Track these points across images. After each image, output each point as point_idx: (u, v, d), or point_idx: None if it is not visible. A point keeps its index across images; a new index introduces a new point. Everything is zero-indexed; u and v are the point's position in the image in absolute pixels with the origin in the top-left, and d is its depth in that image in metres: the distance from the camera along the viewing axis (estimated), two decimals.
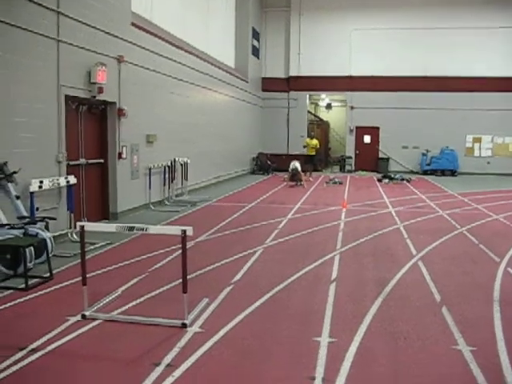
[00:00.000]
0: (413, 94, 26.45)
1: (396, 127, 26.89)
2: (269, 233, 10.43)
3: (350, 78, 27.30)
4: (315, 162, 24.95)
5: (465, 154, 26.66)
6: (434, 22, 25.86)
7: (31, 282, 6.77)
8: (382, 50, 26.57)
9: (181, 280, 5.50)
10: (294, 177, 20.21)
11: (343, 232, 10.64)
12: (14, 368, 4.37)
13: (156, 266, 7.77)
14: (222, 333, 5.17)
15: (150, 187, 13.49)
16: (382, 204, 15.02)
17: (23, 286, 6.60)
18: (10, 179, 7.94)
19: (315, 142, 23.71)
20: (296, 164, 20.44)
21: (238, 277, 7.25)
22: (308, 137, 24.62)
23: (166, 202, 14.56)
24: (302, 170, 20.69)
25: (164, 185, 14.62)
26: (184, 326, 5.27)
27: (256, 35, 26.94)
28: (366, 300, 6.28)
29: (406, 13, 26.27)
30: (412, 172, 26.61)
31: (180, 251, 5.53)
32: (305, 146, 23.93)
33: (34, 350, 4.71)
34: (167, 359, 4.55)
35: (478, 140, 26.78)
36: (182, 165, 15.67)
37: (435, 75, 26.16)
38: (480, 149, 26.87)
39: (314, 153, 23.60)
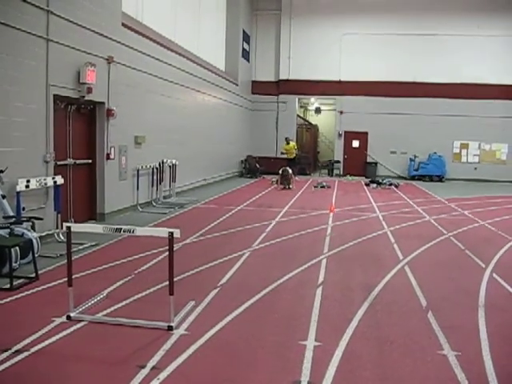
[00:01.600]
0: (401, 100, 26.63)
1: (384, 132, 27.02)
2: (256, 236, 10.43)
3: (340, 82, 27.39)
4: (297, 164, 25.07)
5: (452, 160, 26.87)
6: (423, 28, 26.04)
7: (16, 282, 6.72)
8: (372, 55, 26.71)
9: (167, 282, 5.48)
10: (285, 178, 20.21)
11: (330, 236, 10.66)
12: None
13: (142, 268, 7.74)
14: (207, 336, 5.15)
15: (137, 188, 13.45)
16: (369, 209, 15.07)
17: (8, 286, 6.54)
18: None
19: (292, 144, 24.15)
20: (287, 168, 20.53)
21: (224, 280, 7.24)
22: (285, 141, 24.70)
23: (154, 204, 14.52)
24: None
25: (152, 186, 14.58)
26: (170, 328, 5.25)
27: (246, 38, 26.96)
28: (353, 304, 6.29)
29: (396, 19, 26.42)
30: (400, 177, 26.73)
31: (167, 253, 5.51)
32: (283, 153, 24.21)
33: (18, 352, 4.67)
34: (152, 362, 4.53)
35: (466, 146, 26.97)
36: (170, 166, 15.63)
37: (424, 81, 26.36)
38: (467, 155, 27.07)
39: (293, 156, 23.91)
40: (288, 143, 24.09)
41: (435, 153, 26.42)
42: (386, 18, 26.54)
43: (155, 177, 14.63)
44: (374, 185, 22.29)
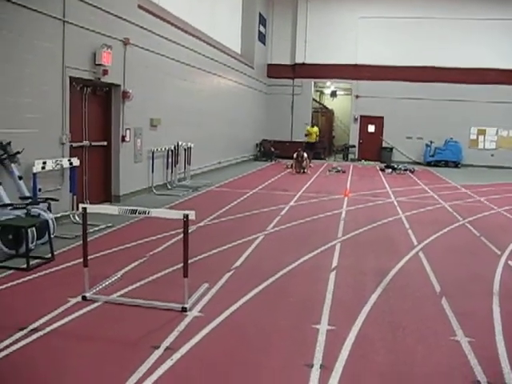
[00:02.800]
0: (418, 85, 26.32)
1: (400, 117, 26.80)
2: (270, 220, 10.44)
3: (356, 66, 27.16)
4: (315, 149, 25.11)
5: (469, 146, 26.61)
6: (441, 12, 25.69)
7: (33, 262, 6.80)
8: (389, 39, 26.42)
9: (181, 264, 5.51)
10: (299, 162, 20.13)
11: (345, 221, 10.64)
12: (14, 347, 4.39)
13: (157, 250, 7.79)
14: (221, 318, 5.18)
15: (152, 171, 13.49)
16: (384, 194, 15.00)
17: (25, 266, 6.63)
18: (14, 159, 7.94)
19: (316, 129, 24.33)
20: (301, 152, 20.47)
21: (238, 263, 7.27)
22: (309, 125, 24.69)
23: (169, 186, 14.56)
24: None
25: (167, 169, 14.62)
26: (184, 310, 5.29)
27: (263, 21, 26.78)
28: (366, 289, 6.29)
29: (413, 2, 26.06)
30: (415, 163, 26.54)
31: (181, 236, 5.53)
32: (306, 135, 24.08)
33: (34, 330, 4.74)
34: (166, 342, 4.57)
35: (483, 132, 26.70)
36: (185, 149, 15.65)
37: (441, 66, 26.02)
38: (484, 141, 26.80)
39: (314, 140, 24.06)
40: (313, 126, 24.50)
41: (451, 138, 26.19)
42: (403, 1, 26.21)
43: (170, 159, 14.65)
44: (389, 170, 22.15)
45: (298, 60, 28.09)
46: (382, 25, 26.52)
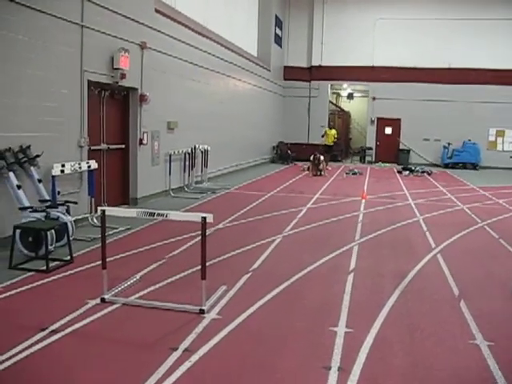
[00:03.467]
0: (436, 86, 26.17)
1: (418, 119, 26.64)
2: (288, 222, 10.44)
3: (373, 68, 27.07)
4: (333, 152, 24.90)
5: (487, 148, 26.36)
6: (460, 12, 25.54)
7: (52, 264, 6.87)
8: (406, 41, 26.28)
9: (199, 267, 5.53)
10: (315, 165, 20.10)
11: (362, 223, 10.61)
12: (35, 348, 4.45)
13: (175, 252, 7.83)
14: (238, 320, 5.20)
15: (169, 174, 13.56)
16: (401, 196, 14.93)
17: (44, 268, 6.70)
18: (33, 163, 8.03)
19: (334, 131, 23.81)
20: (318, 155, 20.44)
21: (256, 265, 7.28)
22: (326, 127, 24.53)
23: (186, 189, 14.62)
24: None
25: (184, 172, 14.68)
26: (202, 312, 5.31)
27: (279, 23, 26.80)
28: (384, 291, 6.27)
29: (431, 3, 25.93)
30: (433, 165, 26.35)
31: (199, 238, 5.56)
32: (323, 136, 23.90)
33: (54, 331, 4.79)
34: (184, 344, 4.59)
35: (502, 134, 26.44)
36: (202, 152, 15.71)
37: (459, 67, 25.83)
38: (503, 143, 26.53)
39: (332, 143, 23.68)
40: (331, 128, 24.13)
41: (470, 140, 25.96)
42: (420, 2, 26.07)
43: (187, 162, 14.71)
44: (407, 172, 22.04)
45: (315, 62, 28.06)
46: (399, 26, 26.39)
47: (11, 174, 7.53)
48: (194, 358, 4.35)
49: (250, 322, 5.20)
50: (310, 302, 5.87)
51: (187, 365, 4.22)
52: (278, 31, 26.76)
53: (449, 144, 26.21)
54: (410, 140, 27.18)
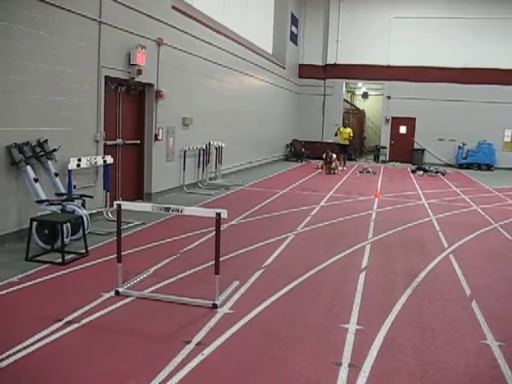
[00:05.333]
0: (451, 86, 25.99)
1: (433, 119, 26.48)
2: (301, 219, 10.48)
3: (388, 67, 26.96)
4: (348, 151, 24.16)
5: (502, 149, 26.13)
6: (476, 11, 25.31)
7: (67, 257, 6.96)
8: (422, 40, 26.08)
9: (212, 262, 5.60)
10: (328, 163, 20.09)
11: (375, 222, 10.62)
12: (51, 338, 4.54)
13: (188, 248, 7.91)
14: (251, 315, 5.25)
15: (184, 169, 13.63)
16: (415, 196, 14.91)
17: (60, 260, 6.79)
18: (50, 157, 8.13)
19: (348, 130, 22.89)
20: (330, 153, 20.40)
21: (268, 261, 7.33)
22: (341, 126, 23.84)
23: (200, 185, 14.70)
24: (337, 158, 20.64)
25: (198, 168, 14.75)
26: (215, 306, 5.37)
27: (295, 21, 26.79)
28: (396, 290, 6.29)
29: (447, 2, 25.74)
30: (447, 165, 26.21)
31: (212, 234, 5.62)
32: (336, 134, 23.22)
33: (69, 323, 4.87)
34: (197, 338, 4.65)
35: None
36: (216, 148, 15.76)
37: (475, 67, 25.63)
38: None
39: (347, 142, 22.79)
40: (346, 127, 23.19)
41: (485, 141, 25.78)
42: (436, 1, 25.88)
43: (201, 158, 14.78)
44: (421, 172, 21.95)
45: (330, 60, 28.00)
46: (415, 25, 26.22)
47: (29, 168, 7.63)
48: (207, 351, 4.41)
49: (263, 318, 5.25)
50: (321, 299, 5.91)
51: (200, 358, 4.28)
52: (294, 29, 26.75)
53: (464, 144, 26.05)
54: (425, 140, 27.05)
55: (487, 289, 6.56)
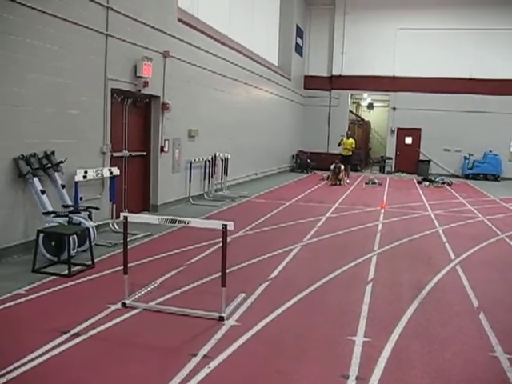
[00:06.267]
0: (457, 96, 25.98)
1: (438, 129, 26.45)
2: (307, 231, 10.46)
3: (394, 78, 27.00)
4: (351, 162, 23.27)
5: (509, 159, 26.07)
6: (481, 23, 25.34)
7: (74, 269, 6.97)
8: (428, 51, 26.11)
9: (218, 274, 5.59)
10: (335, 174, 20.04)
11: (381, 233, 10.59)
12: (58, 350, 4.53)
13: (195, 259, 7.90)
14: (257, 327, 5.24)
15: (190, 181, 13.65)
16: (421, 207, 14.87)
17: (66, 272, 6.80)
18: (57, 168, 8.16)
19: (351, 141, 22.34)
20: (339, 164, 20.36)
21: (275, 273, 7.32)
22: (345, 136, 22.98)
23: (206, 197, 14.71)
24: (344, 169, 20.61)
25: (204, 179, 14.77)
26: (221, 319, 5.36)
27: (300, 33, 26.91)
28: (403, 302, 6.26)
29: (453, 13, 25.75)
30: (453, 176, 26.16)
31: (218, 245, 5.62)
32: (339, 144, 22.77)
33: (76, 335, 4.87)
34: (204, 350, 4.64)
35: None
36: (222, 160, 15.79)
37: (480, 77, 25.65)
38: None
39: (350, 153, 22.22)
40: (348, 138, 22.50)
41: (491, 151, 25.73)
42: (442, 12, 25.88)
43: (207, 170, 14.81)
44: (427, 183, 21.91)
45: (335, 72, 28.08)
46: (420, 36, 26.29)
47: (35, 180, 7.66)
48: (214, 364, 4.40)
49: (269, 330, 5.23)
50: (328, 311, 5.89)
51: (206, 371, 4.27)
52: (299, 40, 26.86)
53: (470, 155, 26.00)
54: (431, 150, 27.02)
55: (495, 300, 6.53)
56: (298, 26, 26.27)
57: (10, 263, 7.27)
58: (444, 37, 25.95)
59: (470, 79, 25.86)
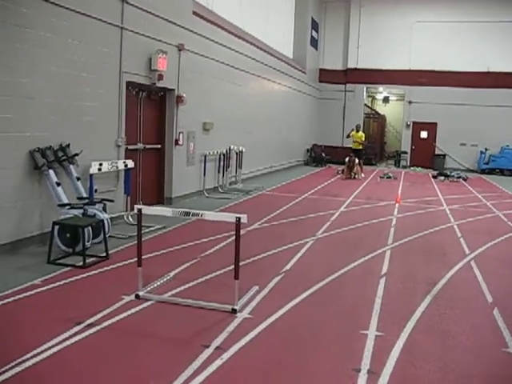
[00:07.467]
0: (473, 90, 25.69)
1: (454, 123, 26.20)
2: (321, 224, 10.46)
3: (410, 71, 26.78)
4: (362, 156, 21.99)
5: None
6: (499, 15, 25.04)
7: (88, 260, 7.04)
8: (445, 44, 25.88)
9: (231, 267, 5.61)
10: (350, 168, 19.97)
11: (395, 227, 10.56)
12: (72, 340, 4.58)
13: (208, 252, 7.93)
14: (270, 320, 5.25)
15: (204, 174, 13.68)
16: (436, 201, 14.79)
17: (81, 263, 6.86)
18: (72, 161, 8.22)
19: (360, 134, 21.50)
20: (353, 157, 20.27)
21: (288, 266, 7.33)
22: (355, 129, 21.94)
23: (220, 190, 14.74)
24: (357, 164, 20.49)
25: (218, 172, 14.80)
26: (234, 311, 5.38)
27: (315, 26, 26.79)
28: (416, 297, 6.25)
29: (470, 5, 25.50)
30: (469, 170, 25.96)
31: (231, 238, 5.64)
32: (348, 136, 22.02)
33: (90, 325, 4.92)
34: (216, 342, 4.67)
35: None
36: (237, 153, 15.80)
37: (498, 71, 25.37)
38: None
39: (360, 147, 21.42)
40: (357, 131, 21.67)
41: (508, 146, 25.48)
42: (459, 5, 25.65)
43: (222, 163, 14.83)
44: (442, 177, 21.77)
45: (351, 65, 27.94)
46: (436, 29, 26.05)
47: (51, 172, 7.73)
48: (226, 355, 4.42)
49: (282, 323, 5.25)
50: (341, 305, 5.90)
51: (218, 362, 4.29)
52: (314, 34, 26.75)
53: (486, 149, 25.77)
54: (446, 145, 26.81)
55: (509, 296, 6.49)
56: (313, 19, 26.16)
57: (25, 254, 7.35)
58: (461, 30, 25.69)
59: (488, 73, 25.57)
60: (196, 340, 4.73)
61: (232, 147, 15.38)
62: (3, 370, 3.99)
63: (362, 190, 16.90)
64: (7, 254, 7.20)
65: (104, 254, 7.33)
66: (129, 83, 10.11)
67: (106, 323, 5.00)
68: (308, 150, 26.82)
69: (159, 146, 11.90)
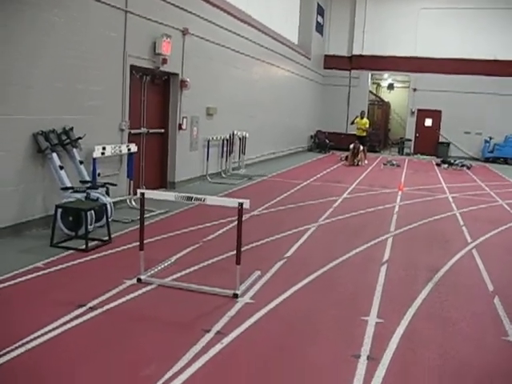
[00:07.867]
0: (480, 78, 25.51)
1: (459, 111, 26.07)
2: (323, 211, 10.45)
3: (415, 58, 26.60)
4: (366, 143, 22.04)
5: None
6: (505, 1, 24.79)
7: (91, 244, 7.06)
8: (451, 31, 25.66)
9: (233, 252, 5.62)
10: (356, 154, 19.93)
11: (398, 215, 10.56)
12: (74, 323, 4.61)
13: (210, 237, 7.95)
14: (271, 305, 5.27)
15: (207, 159, 13.68)
16: (439, 189, 14.77)
17: (83, 247, 6.88)
18: (75, 144, 8.21)
19: (365, 121, 21.66)
20: (358, 144, 20.23)
21: (290, 252, 7.34)
22: (360, 115, 22.10)
23: (223, 175, 14.74)
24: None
25: (221, 157, 14.79)
26: (235, 296, 5.40)
27: (321, 11, 26.61)
28: (417, 284, 6.26)
29: None
30: (473, 159, 25.86)
31: (234, 224, 5.65)
32: (352, 123, 22.15)
33: (92, 308, 4.94)
34: (217, 327, 4.69)
35: None
36: (240, 139, 15.79)
37: (505, 59, 25.18)
38: None
39: (364, 134, 21.53)
40: (362, 118, 21.85)
41: None
42: None
43: (225, 148, 14.81)
44: (446, 165, 21.71)
45: (356, 51, 27.79)
46: (443, 16, 25.82)
47: (54, 155, 7.73)
48: (226, 340, 4.44)
49: (283, 308, 5.27)
50: (342, 291, 5.91)
51: (219, 347, 4.32)
52: (320, 19, 26.57)
53: (490, 138, 25.67)
54: (451, 133, 26.72)
55: (511, 285, 6.49)
56: (318, 4, 25.97)
57: (28, 237, 7.38)
58: (468, 16, 25.46)
59: (495, 61, 25.36)
60: (197, 324, 4.75)
61: (235, 132, 15.36)
62: (3, 352, 4.02)
63: (365, 176, 16.88)
64: (10, 236, 7.23)
65: (106, 238, 7.36)
66: (133, 67, 10.07)
67: (107, 306, 5.03)
68: (312, 137, 26.77)
69: (162, 131, 11.88)
